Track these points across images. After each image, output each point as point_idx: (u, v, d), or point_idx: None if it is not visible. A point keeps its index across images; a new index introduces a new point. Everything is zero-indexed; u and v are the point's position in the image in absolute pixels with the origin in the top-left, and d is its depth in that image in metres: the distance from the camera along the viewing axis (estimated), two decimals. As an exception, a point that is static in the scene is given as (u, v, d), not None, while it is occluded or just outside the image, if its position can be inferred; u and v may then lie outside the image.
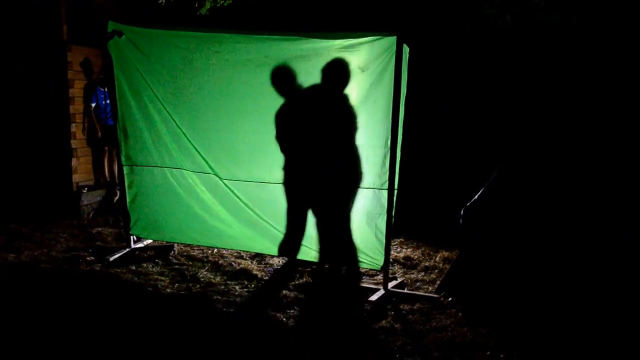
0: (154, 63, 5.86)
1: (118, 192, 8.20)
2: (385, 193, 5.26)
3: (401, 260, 6.35)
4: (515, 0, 5.68)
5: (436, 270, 6.03)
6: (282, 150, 5.52)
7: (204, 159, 5.90)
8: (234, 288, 5.37)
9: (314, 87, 5.40)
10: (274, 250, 5.83)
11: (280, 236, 5.75)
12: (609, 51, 5.87)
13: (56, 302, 4.89)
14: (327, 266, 5.73)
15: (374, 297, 5.09)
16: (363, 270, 5.89)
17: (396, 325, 4.60)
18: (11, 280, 5.42)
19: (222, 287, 5.40)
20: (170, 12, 7.74)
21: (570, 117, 5.58)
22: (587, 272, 4.85)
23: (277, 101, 5.49)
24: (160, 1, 7.36)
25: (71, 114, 8.12)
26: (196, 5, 7.42)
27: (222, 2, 7.37)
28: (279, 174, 5.61)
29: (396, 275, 5.89)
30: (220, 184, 5.92)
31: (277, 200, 5.67)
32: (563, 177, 5.10)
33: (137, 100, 6.00)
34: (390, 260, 5.54)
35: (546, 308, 4.75)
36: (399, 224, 5.62)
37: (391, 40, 5.05)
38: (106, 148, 8.54)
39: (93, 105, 8.31)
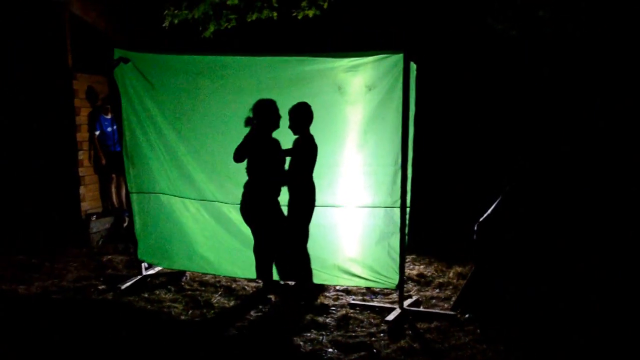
0: (159, 89, 5.87)
1: (127, 219, 8.18)
2: (397, 211, 5.24)
3: (415, 278, 6.30)
4: (520, 14, 5.69)
5: (451, 287, 5.97)
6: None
7: (207, 185, 5.87)
8: (249, 313, 5.32)
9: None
10: (282, 274, 5.78)
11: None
12: (615, 61, 5.87)
13: (70, 334, 4.84)
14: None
15: (390, 317, 5.04)
16: (377, 290, 5.84)
17: (415, 345, 4.54)
18: (23, 314, 5.37)
19: (237, 312, 5.35)
20: (175, 36, 7.76)
21: (581, 129, 5.56)
22: (604, 285, 4.80)
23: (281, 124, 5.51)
24: (164, 25, 7.38)
25: (78, 142, 8.11)
26: (200, 28, 7.43)
27: (226, 25, 7.38)
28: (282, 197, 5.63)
29: (411, 293, 5.84)
30: (223, 212, 5.89)
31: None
32: (576, 189, 5.06)
33: (142, 126, 5.99)
34: (404, 278, 5.49)
35: (564, 322, 4.70)
36: (411, 240, 5.58)
37: (398, 58, 5.05)
38: (113, 175, 8.52)
39: (97, 132, 8.30)
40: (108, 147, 8.37)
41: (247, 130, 5.48)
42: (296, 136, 5.45)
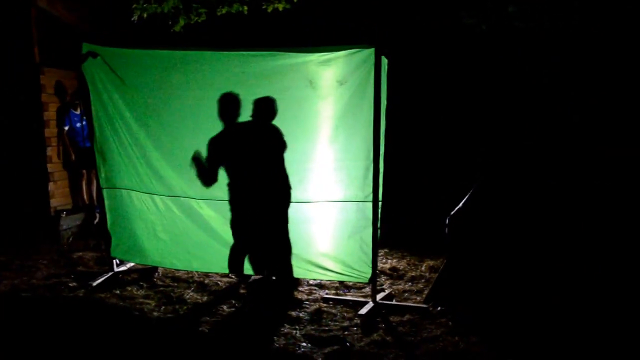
0: (129, 84, 5.78)
1: (97, 215, 8.09)
2: (369, 205, 5.25)
3: (387, 271, 6.34)
4: (490, 9, 5.74)
5: (423, 280, 6.02)
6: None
7: (177, 181, 5.83)
8: (222, 308, 5.30)
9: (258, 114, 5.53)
10: (252, 269, 5.79)
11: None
12: (585, 55, 5.96)
13: (40, 332, 4.78)
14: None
15: (363, 311, 5.06)
16: (350, 284, 5.87)
17: (388, 338, 4.58)
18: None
19: (210, 307, 5.33)
20: (144, 30, 7.68)
21: (550, 121, 5.64)
22: (577, 278, 4.87)
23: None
24: (133, 19, 7.30)
25: (46, 138, 8.00)
26: (170, 22, 7.37)
27: (196, 19, 7.33)
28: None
29: (383, 286, 5.88)
30: (194, 207, 5.85)
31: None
32: (546, 182, 5.13)
33: (112, 122, 5.91)
34: (377, 271, 5.52)
35: (535, 313, 4.77)
36: (383, 234, 5.61)
37: (369, 52, 5.06)
38: (84, 171, 8.41)
39: (66, 128, 8.19)
40: (77, 143, 8.27)
41: (217, 124, 5.53)
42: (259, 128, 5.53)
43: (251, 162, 5.56)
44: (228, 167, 5.57)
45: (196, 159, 5.58)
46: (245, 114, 5.51)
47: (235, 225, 5.69)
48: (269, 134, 5.49)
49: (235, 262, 5.71)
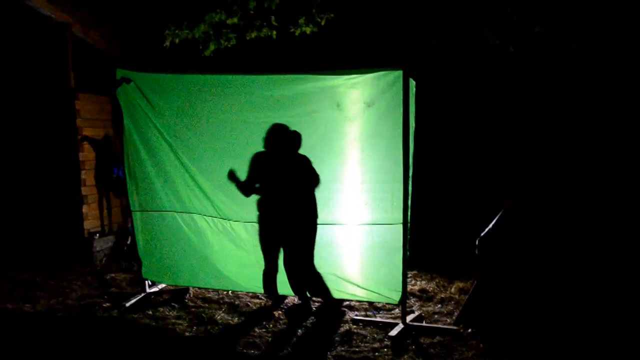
0: (161, 107, 5.92)
1: (130, 237, 8.21)
2: (398, 227, 5.25)
3: (417, 293, 6.32)
4: (516, 30, 5.75)
5: (452, 302, 5.99)
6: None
7: (211, 201, 5.93)
8: (252, 329, 5.34)
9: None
10: (287, 289, 5.83)
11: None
12: (613, 75, 5.93)
13: (76, 352, 4.88)
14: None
15: (393, 332, 5.05)
16: (380, 305, 5.87)
17: (418, 360, 4.57)
18: (29, 332, 5.39)
19: (241, 328, 5.37)
20: (176, 55, 7.84)
21: (580, 142, 5.61)
22: (607, 298, 4.82)
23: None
24: (165, 44, 7.47)
25: (81, 162, 8.17)
26: (200, 47, 7.52)
27: (225, 44, 7.47)
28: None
29: (413, 308, 5.86)
30: (227, 227, 5.95)
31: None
32: (577, 202, 5.10)
33: (146, 145, 6.05)
34: (407, 293, 5.51)
35: (568, 336, 4.72)
36: (412, 256, 5.61)
37: (397, 75, 5.09)
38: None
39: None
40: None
41: (246, 146, 5.61)
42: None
43: (280, 186, 5.62)
44: (259, 189, 5.65)
45: (232, 177, 5.61)
46: (274, 138, 5.57)
47: (267, 246, 5.76)
48: (298, 160, 5.56)
49: (268, 283, 5.79)
